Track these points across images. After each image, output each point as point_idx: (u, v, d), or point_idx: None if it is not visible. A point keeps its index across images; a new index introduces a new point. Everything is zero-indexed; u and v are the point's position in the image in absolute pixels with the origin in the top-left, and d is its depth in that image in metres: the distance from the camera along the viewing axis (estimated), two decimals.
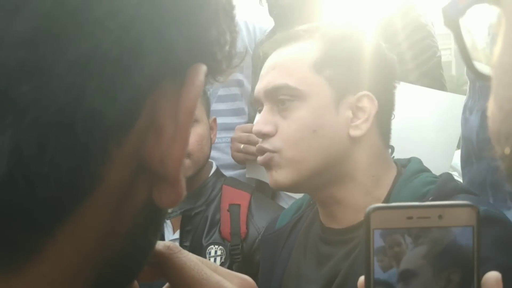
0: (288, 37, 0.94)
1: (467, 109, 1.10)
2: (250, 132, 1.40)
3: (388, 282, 0.42)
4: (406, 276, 0.42)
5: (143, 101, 0.28)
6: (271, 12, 1.55)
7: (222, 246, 1.32)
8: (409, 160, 0.95)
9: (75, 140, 0.25)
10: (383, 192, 0.88)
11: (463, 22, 0.34)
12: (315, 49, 0.90)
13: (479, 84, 1.06)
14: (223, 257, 1.31)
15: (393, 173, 0.91)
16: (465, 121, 1.10)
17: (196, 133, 1.36)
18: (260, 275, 1.04)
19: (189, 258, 0.38)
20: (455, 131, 1.18)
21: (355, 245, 0.85)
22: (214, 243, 1.33)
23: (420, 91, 1.27)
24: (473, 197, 0.84)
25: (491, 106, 0.32)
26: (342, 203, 0.89)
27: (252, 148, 1.38)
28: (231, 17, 0.34)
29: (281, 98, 0.89)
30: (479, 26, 0.35)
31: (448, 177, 0.88)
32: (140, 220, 0.31)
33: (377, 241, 0.42)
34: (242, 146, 1.42)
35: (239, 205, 1.35)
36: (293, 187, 0.92)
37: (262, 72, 0.95)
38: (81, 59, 0.25)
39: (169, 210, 1.36)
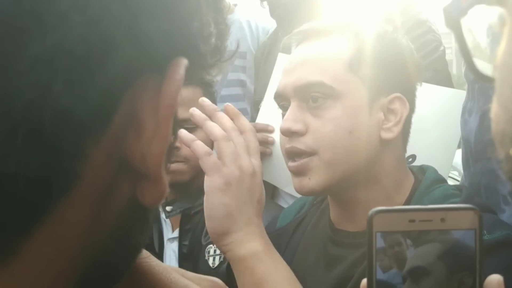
0: (317, 31, 0.89)
1: (466, 111, 1.09)
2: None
3: (390, 284, 0.42)
4: (408, 278, 0.42)
5: (120, 97, 0.27)
6: (272, 13, 1.54)
7: None
8: (423, 168, 0.93)
9: (44, 139, 0.25)
10: (403, 198, 0.87)
11: (465, 22, 0.34)
12: (349, 47, 0.86)
13: (478, 86, 1.06)
14: (222, 257, 1.31)
15: (411, 179, 0.89)
16: (464, 123, 1.10)
17: (198, 138, 1.34)
18: None
19: (158, 263, 0.38)
20: (457, 127, 1.18)
21: None
22: (213, 242, 1.32)
23: (421, 87, 1.26)
24: (492, 216, 0.82)
25: (495, 108, 0.31)
26: (362, 205, 0.86)
27: None
28: (217, 9, 0.33)
29: (314, 95, 0.85)
30: (480, 26, 0.35)
31: (469, 193, 0.87)
32: (124, 218, 0.31)
33: (379, 243, 0.42)
34: None
35: None
36: (323, 192, 0.90)
37: (289, 66, 0.90)
38: (46, 54, 0.24)
39: (168, 209, 1.36)
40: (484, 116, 1.02)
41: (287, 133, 0.86)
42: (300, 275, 0.90)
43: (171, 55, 0.29)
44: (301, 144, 0.85)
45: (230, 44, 0.36)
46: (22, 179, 0.24)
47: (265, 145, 1.30)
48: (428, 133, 1.24)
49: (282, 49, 0.97)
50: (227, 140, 0.85)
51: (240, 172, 0.84)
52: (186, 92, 1.29)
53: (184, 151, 1.31)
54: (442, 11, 0.35)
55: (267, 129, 1.32)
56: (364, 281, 0.43)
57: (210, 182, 0.83)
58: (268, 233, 1.03)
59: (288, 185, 1.26)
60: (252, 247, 0.81)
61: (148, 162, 0.29)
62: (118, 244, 0.31)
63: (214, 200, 0.83)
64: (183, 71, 0.29)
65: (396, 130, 0.86)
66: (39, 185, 0.25)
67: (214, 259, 1.31)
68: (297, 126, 0.85)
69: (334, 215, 0.91)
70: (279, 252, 0.96)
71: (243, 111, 1.73)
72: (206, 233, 1.34)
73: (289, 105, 0.88)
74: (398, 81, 0.87)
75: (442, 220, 0.42)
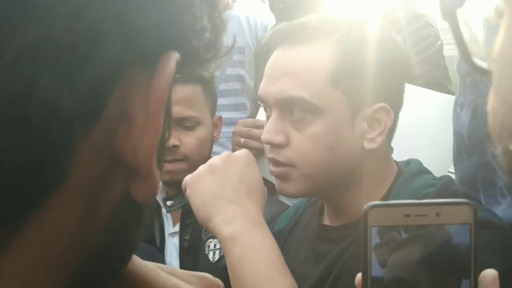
0: (297, 34, 0.85)
1: (458, 105, 1.10)
2: (252, 126, 1.40)
3: (384, 279, 0.43)
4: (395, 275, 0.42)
5: (109, 90, 0.26)
6: (272, 8, 1.54)
7: None
8: (409, 161, 0.94)
9: (30, 133, 0.24)
10: (384, 191, 0.88)
11: (461, 14, 0.33)
12: (333, 57, 0.83)
13: (470, 80, 1.06)
14: (222, 251, 1.31)
15: (393, 172, 0.90)
16: (456, 117, 1.10)
17: (197, 136, 1.33)
18: None
19: (144, 265, 0.37)
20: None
21: (351, 242, 0.85)
22: (213, 237, 1.33)
23: (420, 92, 1.27)
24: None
25: (492, 101, 0.31)
26: (347, 204, 0.88)
27: (253, 143, 1.38)
28: (211, 3, 0.32)
29: (292, 110, 0.84)
30: (477, 19, 0.35)
31: (448, 180, 0.87)
32: (118, 214, 0.30)
33: (374, 238, 0.42)
34: (243, 140, 1.42)
35: None
36: (303, 196, 0.92)
37: (271, 72, 0.87)
38: (30, 46, 0.24)
39: (169, 204, 1.36)
40: (476, 110, 1.02)
41: (269, 144, 0.87)
42: (292, 272, 0.91)
43: (162, 48, 0.29)
44: (281, 156, 0.86)
45: (227, 39, 0.35)
46: (7, 173, 0.24)
47: None
48: (427, 135, 1.24)
49: (266, 49, 0.92)
50: None
51: (208, 164, 0.89)
52: (185, 90, 1.29)
53: (183, 149, 1.31)
54: (438, 2, 0.34)
55: None
56: (359, 276, 0.43)
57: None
58: None
59: None
60: (231, 229, 0.82)
61: (139, 157, 0.28)
62: (113, 240, 0.31)
63: (191, 194, 0.88)
64: (174, 65, 0.29)
65: (380, 140, 0.85)
66: (26, 179, 0.25)
67: (214, 254, 1.32)
68: (278, 139, 0.85)
69: (326, 212, 0.93)
70: None
71: (242, 106, 1.73)
72: None
73: (271, 108, 0.88)
74: (385, 90, 0.84)
75: (437, 214, 0.42)
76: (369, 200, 0.86)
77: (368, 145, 0.84)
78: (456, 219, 0.42)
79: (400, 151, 1.22)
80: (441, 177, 0.88)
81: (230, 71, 1.73)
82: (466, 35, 0.34)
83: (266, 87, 0.87)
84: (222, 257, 1.31)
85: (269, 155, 0.88)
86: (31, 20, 0.24)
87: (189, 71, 0.33)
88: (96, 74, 0.25)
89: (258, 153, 1.39)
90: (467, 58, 0.34)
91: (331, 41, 0.84)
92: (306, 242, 0.94)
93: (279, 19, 1.54)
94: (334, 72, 0.83)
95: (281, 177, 0.88)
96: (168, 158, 1.30)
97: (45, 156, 0.25)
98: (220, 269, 1.29)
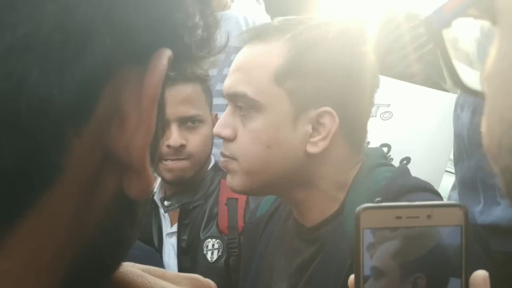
0: (259, 33, 0.88)
1: (459, 106, 1.10)
2: None
3: (376, 280, 0.43)
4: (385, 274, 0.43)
5: (100, 87, 0.27)
6: (268, 10, 1.55)
7: (219, 239, 1.33)
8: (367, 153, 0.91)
9: (20, 130, 0.24)
10: (345, 192, 0.87)
11: (449, 32, 0.32)
12: (280, 55, 0.84)
13: None
14: (220, 251, 1.32)
15: (354, 172, 0.88)
16: (456, 118, 1.11)
17: (202, 134, 1.36)
18: (241, 263, 1.05)
19: (131, 271, 0.37)
20: (452, 130, 1.19)
21: (321, 246, 0.85)
22: (211, 237, 1.34)
23: (418, 90, 1.28)
24: (425, 195, 0.81)
25: (487, 120, 0.30)
26: (306, 204, 0.88)
27: None
28: (204, 0, 0.32)
29: (239, 105, 0.87)
30: (468, 35, 0.34)
31: (398, 173, 0.86)
32: (112, 211, 0.30)
33: (367, 239, 0.43)
34: None
35: (236, 199, 1.36)
36: (247, 193, 0.94)
37: (231, 68, 0.90)
38: (20, 43, 0.24)
39: (167, 204, 1.37)
40: (476, 111, 1.03)
41: (218, 137, 0.90)
42: (270, 265, 0.94)
43: (154, 45, 0.29)
44: (227, 150, 0.89)
45: (221, 38, 0.35)
46: None
47: None
48: (425, 134, 1.25)
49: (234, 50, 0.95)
50: None
51: None
52: (188, 90, 1.32)
53: (189, 148, 1.33)
54: (423, 23, 0.33)
55: None
56: (352, 277, 0.43)
57: None
58: (249, 222, 1.06)
59: None
60: None
61: (132, 154, 0.28)
62: (107, 238, 0.31)
63: None
64: (166, 62, 0.29)
65: (322, 145, 0.84)
66: (18, 178, 0.25)
67: (212, 253, 1.32)
68: (225, 132, 0.88)
69: (293, 211, 0.94)
70: (255, 240, 0.99)
71: None
72: (205, 227, 1.36)
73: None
74: (330, 94, 0.84)
75: (429, 216, 0.43)
76: (330, 201, 0.86)
77: (311, 149, 0.84)
78: (447, 221, 0.43)
79: (400, 149, 1.23)
80: (395, 168, 0.88)
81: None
82: (458, 53, 0.32)
83: (224, 83, 0.90)
84: (220, 257, 1.32)
85: (221, 149, 0.91)
86: (20, 17, 0.24)
87: (182, 68, 0.33)
88: (87, 72, 0.25)
89: None
90: (455, 79, 0.32)
91: (282, 40, 0.85)
92: (285, 237, 0.95)
93: None
94: (278, 70, 0.84)
95: (226, 169, 0.91)
96: (173, 157, 1.32)
97: (36, 155, 0.25)
98: (218, 269, 1.30)
